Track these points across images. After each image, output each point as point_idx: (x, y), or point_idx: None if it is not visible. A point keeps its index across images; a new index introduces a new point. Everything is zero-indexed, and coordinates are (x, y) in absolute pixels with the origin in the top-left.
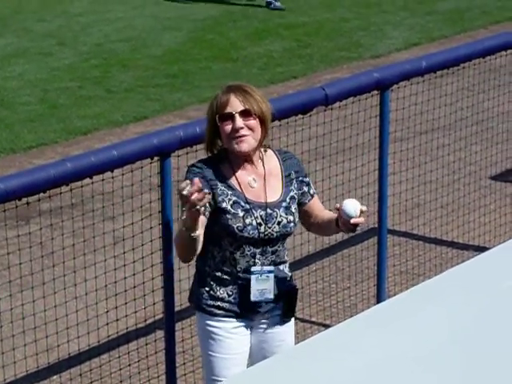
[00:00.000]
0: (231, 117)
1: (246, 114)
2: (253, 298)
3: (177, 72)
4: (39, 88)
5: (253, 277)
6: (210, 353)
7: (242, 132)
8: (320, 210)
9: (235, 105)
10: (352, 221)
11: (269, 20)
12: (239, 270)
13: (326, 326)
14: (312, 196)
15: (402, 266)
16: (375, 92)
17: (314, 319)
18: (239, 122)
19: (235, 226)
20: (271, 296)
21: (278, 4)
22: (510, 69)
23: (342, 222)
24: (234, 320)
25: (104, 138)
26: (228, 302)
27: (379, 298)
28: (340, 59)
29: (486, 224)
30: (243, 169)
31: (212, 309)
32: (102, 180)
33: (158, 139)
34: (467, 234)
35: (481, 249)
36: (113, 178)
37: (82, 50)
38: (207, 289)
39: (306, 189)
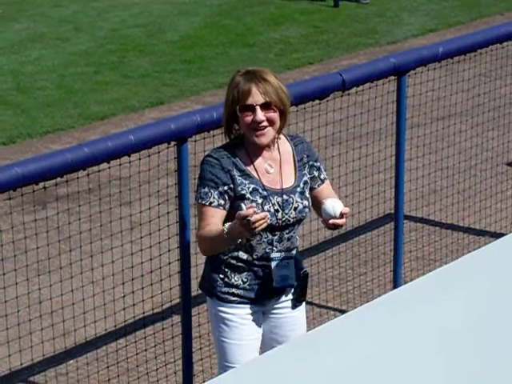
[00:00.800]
0: (252, 108)
1: (266, 106)
2: (275, 284)
3: (193, 57)
4: (56, 73)
5: (273, 263)
6: (223, 339)
7: (263, 124)
8: (330, 196)
9: (257, 96)
10: (330, 221)
11: (285, 5)
12: (255, 257)
13: (342, 312)
14: (322, 181)
15: (418, 252)
16: (392, 78)
17: (330, 305)
18: (260, 114)
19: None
20: (293, 282)
21: None
22: None
23: (322, 220)
24: (248, 306)
25: (120, 123)
26: (243, 288)
27: (395, 284)
28: (356, 45)
29: (502, 210)
30: (260, 155)
31: (226, 295)
32: (119, 165)
33: (175, 124)
34: (484, 220)
35: (497, 235)
36: (130, 162)
37: (98, 35)
38: (221, 276)
39: (316, 173)
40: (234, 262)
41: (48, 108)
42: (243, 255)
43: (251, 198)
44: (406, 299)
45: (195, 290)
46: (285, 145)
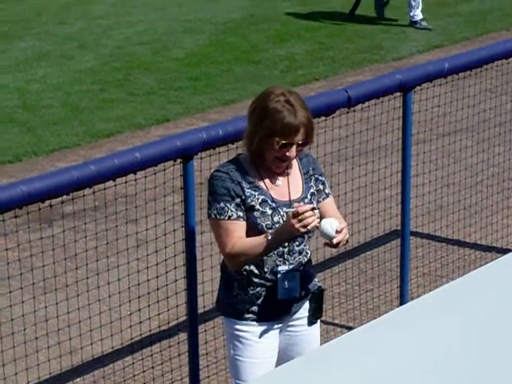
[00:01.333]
0: (291, 145)
1: (303, 144)
2: (280, 296)
3: (199, 75)
4: (61, 91)
5: (280, 276)
6: (238, 357)
7: (289, 160)
8: (333, 211)
9: (299, 136)
10: (334, 241)
11: (290, 22)
12: (266, 270)
13: (349, 328)
14: (327, 195)
15: (424, 268)
16: (398, 94)
17: (336, 321)
18: (293, 152)
19: (264, 224)
20: (297, 295)
21: (424, 23)
22: None
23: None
24: (264, 324)
25: (126, 140)
26: (257, 305)
27: (402, 300)
28: (362, 61)
29: (508, 226)
30: (268, 169)
31: (241, 313)
32: (125, 182)
33: (181, 141)
34: (490, 235)
35: (503, 251)
36: (136, 180)
37: (103, 52)
38: (235, 293)
39: (321, 187)
40: (246, 277)
41: (54, 126)
42: (255, 270)
43: (261, 209)
44: (413, 315)
45: (202, 307)
46: None
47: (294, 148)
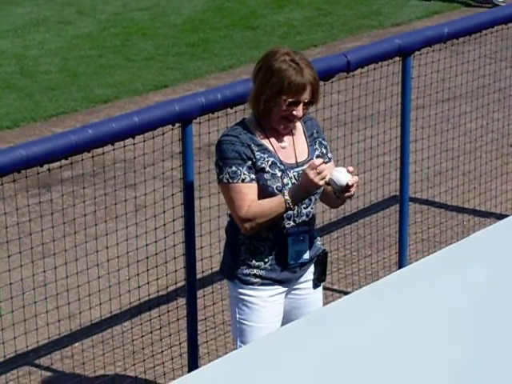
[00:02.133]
0: (298, 103)
1: (309, 103)
2: (290, 260)
3: (197, 40)
4: (59, 57)
5: (289, 239)
6: (244, 322)
7: (297, 119)
8: None
9: (306, 94)
10: (350, 182)
11: None
12: (275, 233)
13: (348, 294)
14: (329, 159)
15: (423, 234)
16: (397, 59)
17: (335, 287)
18: (301, 111)
19: (274, 186)
20: (307, 257)
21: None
22: None
23: (338, 193)
24: (270, 288)
25: (124, 106)
26: (264, 269)
27: (401, 266)
28: (360, 27)
29: (507, 191)
30: (274, 131)
31: (248, 277)
32: (124, 147)
33: (179, 106)
34: (489, 201)
35: (502, 216)
36: (134, 145)
37: (101, 18)
38: (242, 258)
39: (324, 150)
40: (254, 241)
41: (52, 91)
42: (263, 233)
43: (271, 171)
44: (411, 278)
45: (200, 272)
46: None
47: (300, 106)
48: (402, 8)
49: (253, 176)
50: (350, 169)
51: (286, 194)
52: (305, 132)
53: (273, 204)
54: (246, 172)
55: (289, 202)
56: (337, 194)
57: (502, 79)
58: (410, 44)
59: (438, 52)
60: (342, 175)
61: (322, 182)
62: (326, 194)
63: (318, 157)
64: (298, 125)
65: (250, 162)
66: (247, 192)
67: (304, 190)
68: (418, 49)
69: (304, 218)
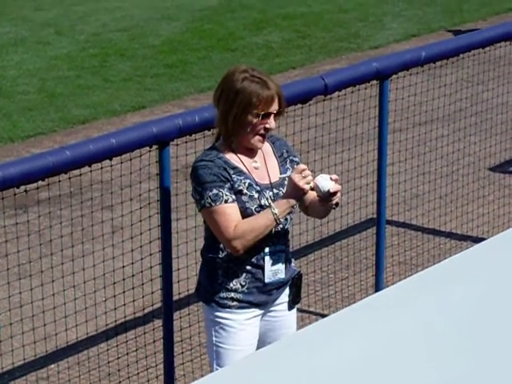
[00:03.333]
0: (268, 116)
1: (278, 114)
2: (267, 279)
3: (175, 62)
4: (37, 77)
5: (266, 258)
6: (220, 345)
7: (270, 131)
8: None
9: (275, 105)
10: (332, 190)
11: (267, 10)
12: (253, 254)
13: (324, 316)
14: None
15: (400, 257)
16: (374, 82)
17: (312, 309)
18: (273, 122)
19: (253, 208)
20: (283, 276)
21: None
22: (509, 60)
23: (321, 200)
24: (247, 311)
25: (102, 127)
26: (242, 292)
27: (377, 288)
28: (339, 50)
29: (484, 215)
30: (246, 153)
31: (225, 301)
32: (101, 168)
33: (156, 128)
34: (465, 224)
35: (479, 240)
36: (111, 166)
37: (79, 39)
38: (219, 281)
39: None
40: (231, 264)
41: (29, 112)
42: (241, 256)
43: (248, 193)
44: (387, 302)
45: (177, 294)
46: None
47: (272, 118)
48: (380, 31)
49: (233, 197)
50: (334, 177)
51: (273, 206)
52: (275, 152)
53: (261, 219)
54: (227, 193)
55: (276, 214)
56: (320, 203)
57: (479, 103)
58: (387, 67)
59: (415, 75)
60: (326, 181)
61: (307, 187)
62: (311, 204)
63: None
64: (267, 146)
65: (228, 184)
66: (231, 212)
67: (290, 197)
68: (395, 72)
69: (281, 237)
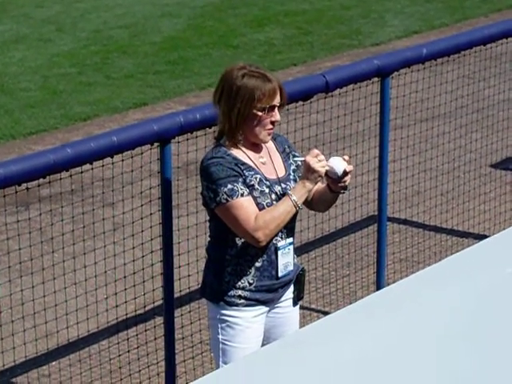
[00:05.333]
0: (273, 108)
1: (281, 106)
2: (280, 273)
3: (176, 59)
4: (39, 74)
5: (279, 252)
6: (227, 342)
7: (276, 124)
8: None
9: (278, 97)
10: (348, 169)
11: (269, 7)
12: (264, 249)
13: (326, 313)
14: None
15: (401, 254)
16: (375, 79)
17: (313, 306)
18: (278, 115)
19: (264, 203)
20: (291, 268)
21: None
22: (511, 56)
23: (333, 183)
24: (254, 308)
25: (104, 124)
26: (249, 290)
27: (378, 286)
28: (340, 47)
29: (485, 212)
30: (252, 150)
31: (233, 299)
32: (102, 166)
33: (158, 125)
34: (467, 221)
35: (480, 236)
36: (113, 163)
37: (81, 36)
38: (227, 279)
39: (300, 162)
40: (241, 261)
41: (31, 109)
42: (251, 250)
43: (259, 188)
44: (390, 300)
45: (178, 291)
46: None
47: (276, 110)
48: (381, 28)
49: (248, 190)
50: (346, 157)
51: (290, 192)
52: (277, 148)
53: (280, 207)
54: (242, 187)
55: (295, 199)
56: (331, 187)
57: (481, 100)
58: (388, 65)
59: (416, 72)
60: (340, 162)
61: (322, 170)
62: (316, 195)
63: (293, 171)
64: (270, 142)
65: (242, 179)
66: (249, 204)
67: (306, 182)
68: (396, 69)
69: (288, 230)
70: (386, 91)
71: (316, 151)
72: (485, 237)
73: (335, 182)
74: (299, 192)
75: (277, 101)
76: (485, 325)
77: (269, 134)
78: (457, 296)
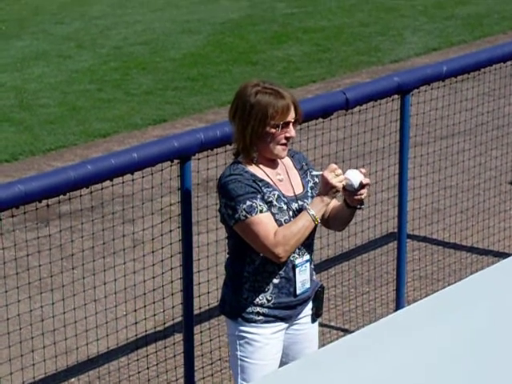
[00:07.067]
0: (288, 124)
1: (296, 121)
2: (298, 290)
3: (196, 75)
4: (58, 90)
5: (297, 270)
6: (246, 359)
7: (291, 139)
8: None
9: (292, 113)
10: (364, 181)
11: (288, 24)
12: (281, 266)
13: (345, 331)
14: None
15: (421, 271)
16: (395, 96)
17: (333, 323)
18: (293, 131)
19: (283, 220)
20: (308, 285)
21: None
22: None
23: (349, 197)
24: (273, 325)
25: (123, 140)
26: (267, 307)
27: (398, 303)
28: (359, 64)
29: (506, 229)
30: (269, 166)
31: (251, 315)
32: (122, 183)
33: (178, 142)
34: (487, 239)
35: (501, 254)
36: (133, 180)
37: (101, 52)
38: (245, 296)
39: (317, 180)
40: (259, 277)
41: (50, 125)
42: (269, 267)
43: (278, 204)
44: (410, 321)
45: (198, 308)
46: None
47: (291, 126)
48: (400, 45)
49: (266, 206)
50: (363, 170)
51: (309, 207)
52: (295, 165)
53: (299, 222)
54: (261, 203)
55: (313, 214)
56: (348, 201)
57: (501, 117)
58: (408, 82)
59: (436, 90)
60: (357, 175)
61: (340, 184)
62: (332, 213)
63: (311, 188)
64: (288, 159)
65: (260, 195)
66: (268, 221)
67: (324, 196)
68: (416, 87)
69: (306, 247)
70: (406, 108)
71: (334, 166)
72: (505, 254)
73: (352, 196)
74: (317, 206)
75: (291, 117)
76: (507, 345)
77: (284, 150)
78: (479, 316)
